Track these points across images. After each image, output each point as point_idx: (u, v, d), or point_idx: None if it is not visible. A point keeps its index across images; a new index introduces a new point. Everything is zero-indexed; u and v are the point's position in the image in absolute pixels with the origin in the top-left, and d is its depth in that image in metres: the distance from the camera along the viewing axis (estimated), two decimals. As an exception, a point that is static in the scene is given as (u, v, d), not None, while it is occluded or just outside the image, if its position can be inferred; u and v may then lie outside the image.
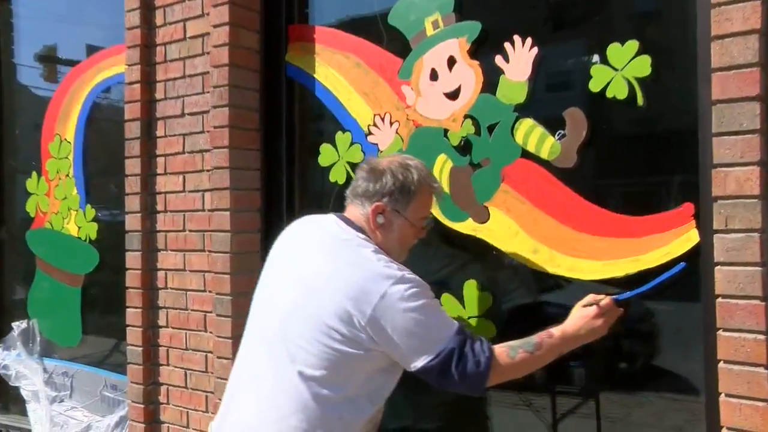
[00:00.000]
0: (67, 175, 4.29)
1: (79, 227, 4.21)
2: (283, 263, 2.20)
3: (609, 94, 2.33)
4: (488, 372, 1.98)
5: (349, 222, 2.15)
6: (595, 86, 2.36)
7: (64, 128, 4.32)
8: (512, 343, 2.06)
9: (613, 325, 2.14)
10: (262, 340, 2.13)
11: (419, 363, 1.97)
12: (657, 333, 2.43)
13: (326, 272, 2.04)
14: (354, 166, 2.96)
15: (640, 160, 2.46)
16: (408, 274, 2.01)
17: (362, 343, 1.96)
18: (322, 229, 2.19)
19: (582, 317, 2.10)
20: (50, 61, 4.70)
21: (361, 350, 1.97)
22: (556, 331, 2.09)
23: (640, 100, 2.29)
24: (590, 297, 2.15)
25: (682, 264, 2.15)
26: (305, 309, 2.02)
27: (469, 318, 2.67)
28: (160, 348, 3.53)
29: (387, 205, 2.13)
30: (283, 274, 2.18)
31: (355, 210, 2.18)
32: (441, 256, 2.95)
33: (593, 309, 2.10)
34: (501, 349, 2.04)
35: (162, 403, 3.53)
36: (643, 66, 2.26)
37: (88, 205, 4.18)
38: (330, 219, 2.20)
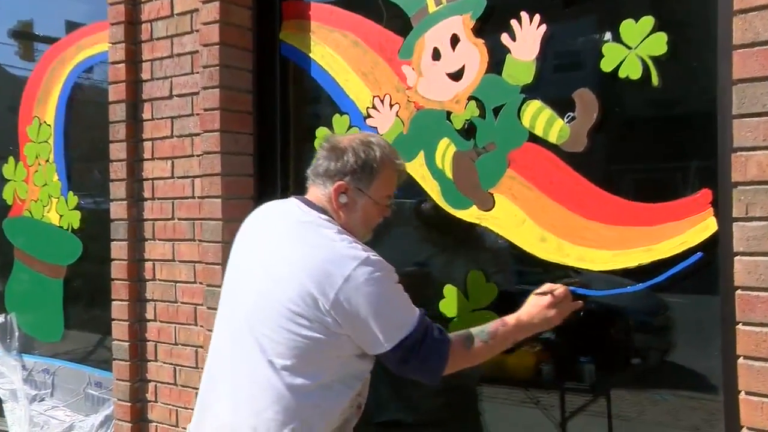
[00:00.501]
0: (48, 161, 4.27)
1: (61, 215, 4.20)
2: (247, 253, 2.23)
3: (622, 73, 2.32)
4: (447, 361, 2.04)
5: (310, 204, 2.17)
6: (607, 66, 2.34)
7: (44, 110, 4.30)
8: (468, 333, 2.12)
9: (569, 317, 2.19)
10: (231, 333, 2.16)
11: (381, 348, 2.01)
12: (672, 327, 2.43)
13: (289, 257, 2.07)
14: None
15: (655, 143, 2.44)
16: (373, 255, 2.03)
17: (328, 327, 1.99)
18: (283, 214, 2.21)
19: (536, 306, 2.18)
20: (26, 37, 4.67)
21: (327, 335, 1.99)
22: (510, 319, 2.16)
23: (655, 80, 2.27)
24: (546, 286, 2.21)
25: (699, 254, 2.16)
26: (270, 297, 2.05)
27: (473, 310, 2.67)
28: (147, 343, 3.53)
29: (349, 184, 2.15)
30: (247, 265, 2.20)
31: (317, 190, 2.19)
32: (444, 246, 2.95)
33: (547, 298, 2.17)
34: (458, 339, 2.09)
35: (150, 401, 3.53)
36: (659, 44, 2.24)
37: (71, 192, 4.17)
38: (291, 202, 2.22)
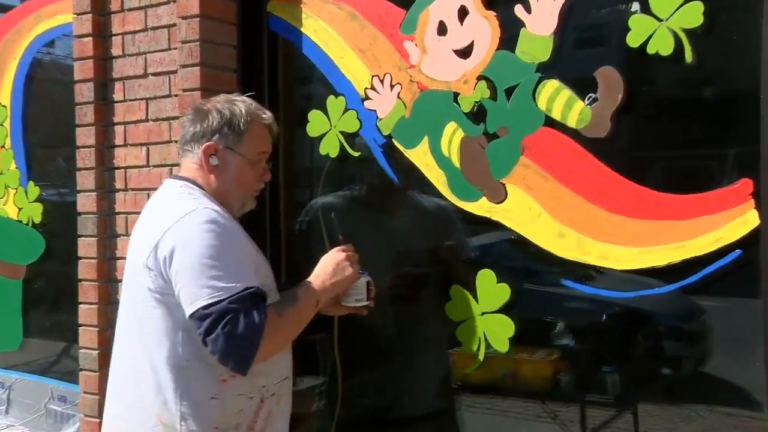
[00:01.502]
0: (3, 146, 4.27)
1: (20, 208, 4.20)
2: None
3: (651, 49, 2.30)
4: (258, 345, 1.97)
5: (177, 177, 2.27)
6: (633, 40, 2.33)
7: (-3, 89, 4.29)
8: (275, 306, 2.09)
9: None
10: (119, 335, 2.27)
11: (190, 309, 1.98)
12: (707, 334, 2.43)
13: (139, 235, 2.18)
14: (348, 136, 2.95)
15: (688, 127, 2.44)
16: (208, 208, 2.07)
17: (171, 294, 2.03)
18: (150, 200, 2.31)
19: (325, 258, 2.28)
20: (-28, 4, 4.65)
21: (173, 304, 2.03)
22: (306, 280, 2.23)
23: (688, 56, 2.25)
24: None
25: (737, 252, 2.15)
26: (130, 280, 2.16)
27: (483, 314, 2.66)
28: (117, 351, 3.51)
29: (218, 143, 2.22)
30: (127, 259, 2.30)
31: (188, 160, 2.27)
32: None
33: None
34: (268, 324, 2.00)
35: (120, 416, 3.51)
36: (694, 14, 2.22)
37: (31, 182, 4.17)
38: (163, 184, 2.32)
